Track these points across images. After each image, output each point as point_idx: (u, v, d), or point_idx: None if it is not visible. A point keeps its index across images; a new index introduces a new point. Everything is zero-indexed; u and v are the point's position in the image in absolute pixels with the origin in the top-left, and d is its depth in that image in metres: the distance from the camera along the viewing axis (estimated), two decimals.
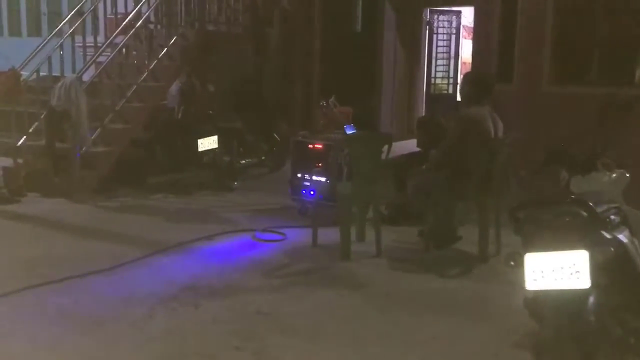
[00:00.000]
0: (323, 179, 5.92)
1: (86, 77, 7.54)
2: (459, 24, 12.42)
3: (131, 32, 7.85)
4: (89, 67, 7.59)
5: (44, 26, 14.58)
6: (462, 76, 8.52)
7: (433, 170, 5.06)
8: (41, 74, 7.60)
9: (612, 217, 2.97)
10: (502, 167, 5.01)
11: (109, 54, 7.66)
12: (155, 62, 7.92)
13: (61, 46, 7.61)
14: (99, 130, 7.27)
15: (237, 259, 5.08)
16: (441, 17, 12.06)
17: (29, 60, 7.59)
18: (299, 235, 5.56)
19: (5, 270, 4.68)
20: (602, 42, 7.15)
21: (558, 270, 2.77)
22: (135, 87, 7.69)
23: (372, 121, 9.08)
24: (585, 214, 2.84)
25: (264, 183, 7.96)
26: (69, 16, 8.29)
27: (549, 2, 7.27)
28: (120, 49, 7.85)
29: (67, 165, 6.99)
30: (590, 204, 2.87)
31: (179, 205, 6.72)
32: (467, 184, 4.83)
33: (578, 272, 2.74)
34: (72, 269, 4.59)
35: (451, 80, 12.48)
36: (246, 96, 8.60)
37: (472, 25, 10.97)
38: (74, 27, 7.95)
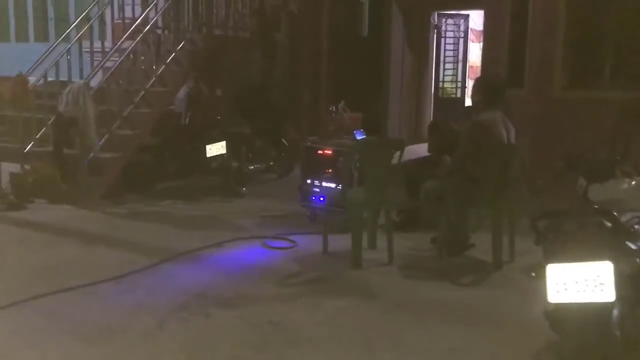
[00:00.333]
0: (333, 185, 5.88)
1: (94, 83, 7.52)
2: (467, 27, 12.37)
3: (139, 37, 7.83)
4: (96, 72, 7.56)
5: (51, 31, 14.57)
6: (473, 81, 8.46)
7: (447, 177, 4.99)
8: (49, 79, 7.58)
9: (636, 226, 2.89)
10: (514, 172, 4.94)
11: (116, 59, 7.63)
12: (162, 67, 7.89)
13: (69, 51, 7.57)
14: (106, 136, 7.23)
15: (248, 266, 5.02)
16: (449, 21, 11.99)
17: (37, 66, 7.57)
18: (309, 242, 5.50)
19: (13, 278, 4.64)
20: (615, 47, 7.08)
21: (582, 282, 2.71)
22: (143, 92, 7.65)
23: (381, 126, 9.02)
24: (609, 224, 2.77)
25: (272, 189, 7.92)
26: (77, 21, 8.26)
27: (560, 5, 7.20)
28: (128, 54, 7.82)
29: (75, 171, 6.96)
30: (615, 214, 2.79)
31: (187, 212, 6.69)
32: (480, 190, 4.77)
33: (602, 284, 2.67)
34: (80, 277, 4.54)
35: (459, 84, 12.41)
36: (254, 101, 8.55)
37: (480, 28, 10.92)
38: (81, 32, 7.93)
